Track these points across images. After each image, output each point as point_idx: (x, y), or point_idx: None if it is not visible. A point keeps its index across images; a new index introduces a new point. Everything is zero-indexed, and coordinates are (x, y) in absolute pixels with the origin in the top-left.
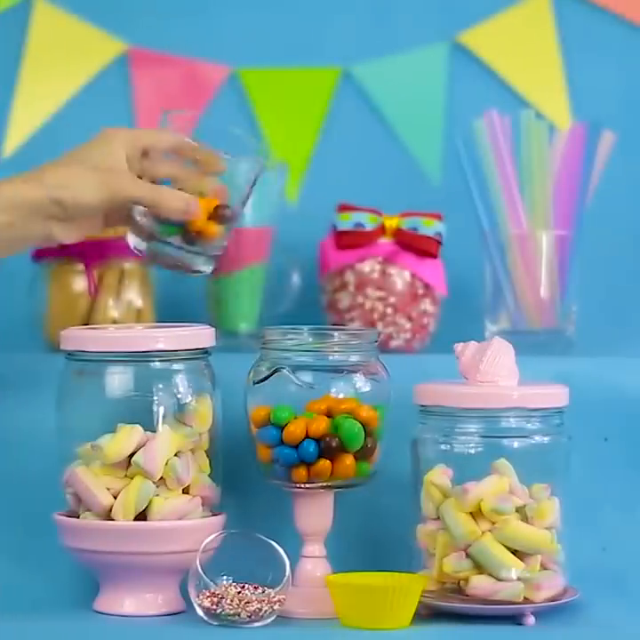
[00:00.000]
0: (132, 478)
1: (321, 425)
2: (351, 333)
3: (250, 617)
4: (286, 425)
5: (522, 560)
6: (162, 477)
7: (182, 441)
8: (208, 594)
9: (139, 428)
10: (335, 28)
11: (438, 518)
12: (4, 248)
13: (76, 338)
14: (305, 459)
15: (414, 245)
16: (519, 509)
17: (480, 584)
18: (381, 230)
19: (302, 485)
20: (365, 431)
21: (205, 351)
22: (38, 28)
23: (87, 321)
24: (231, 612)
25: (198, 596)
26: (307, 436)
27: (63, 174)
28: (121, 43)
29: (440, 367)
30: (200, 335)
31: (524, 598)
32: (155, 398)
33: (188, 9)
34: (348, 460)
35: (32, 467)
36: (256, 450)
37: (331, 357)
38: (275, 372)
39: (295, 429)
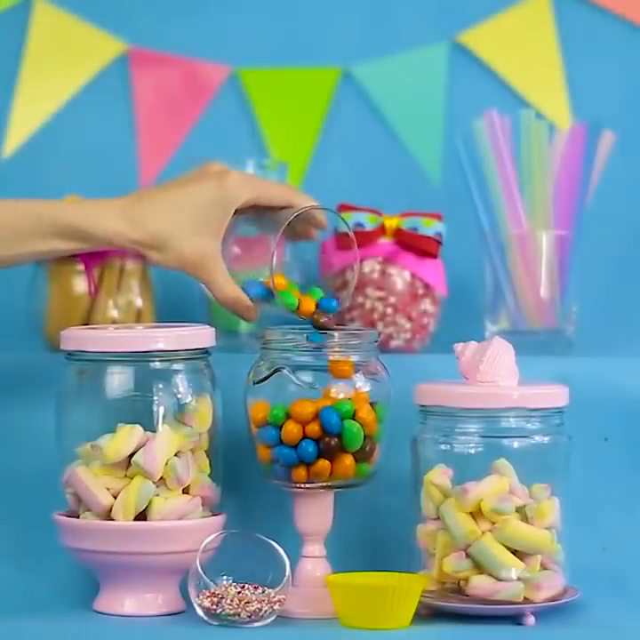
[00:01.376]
0: (132, 478)
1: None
2: (351, 333)
3: (250, 617)
4: (283, 424)
5: (522, 560)
6: (162, 477)
7: (182, 441)
8: (208, 594)
9: (139, 428)
10: (335, 28)
11: (438, 518)
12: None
13: (76, 338)
14: (304, 459)
15: (414, 245)
16: (519, 509)
17: (480, 584)
18: (381, 230)
19: (302, 485)
20: (365, 431)
21: (205, 351)
22: (38, 27)
23: (87, 321)
24: (231, 611)
25: (198, 596)
26: (305, 436)
27: (159, 228)
28: (121, 43)
29: (440, 367)
30: (200, 335)
31: (524, 598)
32: (155, 398)
33: (188, 9)
34: (348, 460)
35: (32, 467)
36: (256, 450)
37: (331, 357)
38: (275, 371)
39: (292, 429)
